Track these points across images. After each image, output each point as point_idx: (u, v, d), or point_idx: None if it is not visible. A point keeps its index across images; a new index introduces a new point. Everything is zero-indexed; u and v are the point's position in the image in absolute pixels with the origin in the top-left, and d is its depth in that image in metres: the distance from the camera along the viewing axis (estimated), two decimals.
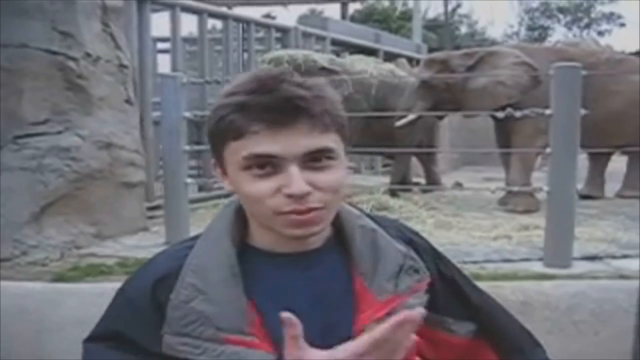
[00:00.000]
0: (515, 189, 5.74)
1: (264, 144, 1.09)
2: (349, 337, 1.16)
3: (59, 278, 3.90)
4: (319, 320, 1.16)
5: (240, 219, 1.23)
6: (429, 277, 1.26)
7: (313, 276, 1.21)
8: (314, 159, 1.12)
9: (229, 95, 1.14)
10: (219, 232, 1.22)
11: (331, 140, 1.13)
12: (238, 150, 1.11)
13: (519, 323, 1.40)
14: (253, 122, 1.09)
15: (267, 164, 1.11)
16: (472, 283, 1.38)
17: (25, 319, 3.09)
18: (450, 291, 1.31)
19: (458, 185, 7.80)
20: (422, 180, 8.10)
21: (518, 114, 4.64)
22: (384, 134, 6.78)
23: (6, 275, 3.91)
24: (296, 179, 1.09)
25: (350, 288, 1.21)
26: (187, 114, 4.86)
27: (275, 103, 1.08)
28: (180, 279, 1.16)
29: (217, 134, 1.15)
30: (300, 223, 1.12)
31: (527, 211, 6.15)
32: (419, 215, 5.84)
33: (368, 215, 1.30)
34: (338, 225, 1.25)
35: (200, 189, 6.94)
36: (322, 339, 1.15)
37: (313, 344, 1.15)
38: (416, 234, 1.35)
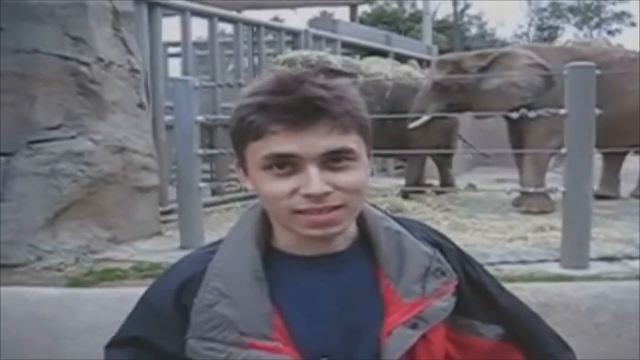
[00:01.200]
0: (531, 190, 5.70)
1: (284, 143, 1.09)
2: (375, 341, 1.15)
3: (75, 283, 3.90)
4: (345, 324, 1.15)
5: (266, 222, 1.22)
6: (456, 279, 1.24)
7: (338, 279, 1.19)
8: (334, 160, 1.11)
9: (250, 95, 1.14)
10: (243, 236, 1.21)
11: (351, 141, 1.12)
12: (258, 150, 1.11)
13: (549, 327, 1.37)
14: (273, 123, 1.09)
15: (286, 164, 1.11)
16: (500, 285, 1.35)
17: (41, 324, 3.08)
18: (478, 294, 1.29)
19: (471, 186, 7.76)
20: (435, 182, 8.07)
21: (532, 114, 4.61)
22: (397, 136, 6.75)
23: (21, 281, 3.91)
24: (314, 179, 1.09)
25: (376, 291, 1.20)
26: (200, 118, 4.86)
27: (295, 103, 1.08)
28: (204, 283, 1.16)
29: (238, 134, 1.15)
30: (318, 223, 1.11)
31: (541, 212, 6.11)
32: (433, 217, 5.81)
33: (392, 217, 1.28)
34: (363, 227, 1.24)
35: (214, 192, 6.93)
36: (348, 342, 1.14)
37: (339, 348, 1.14)
38: (442, 235, 1.33)
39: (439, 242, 1.29)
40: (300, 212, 1.11)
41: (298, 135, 1.09)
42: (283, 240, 1.21)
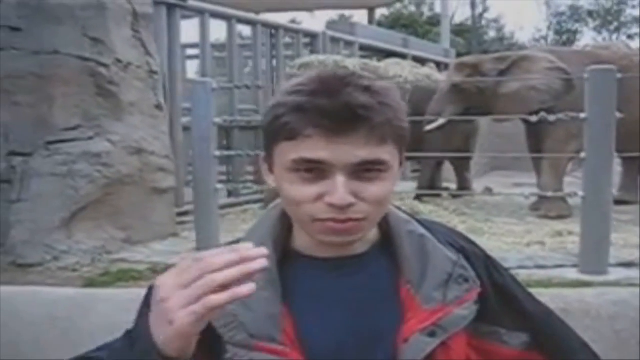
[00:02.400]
0: (550, 194, 5.65)
1: (316, 149, 1.04)
2: (391, 347, 1.12)
3: (90, 283, 3.91)
4: (359, 329, 1.13)
5: (285, 222, 1.20)
6: (479, 287, 1.20)
7: (355, 282, 1.16)
8: (365, 170, 1.06)
9: (288, 93, 1.08)
10: (261, 236, 1.18)
11: (386, 152, 1.08)
12: (288, 152, 1.07)
13: (577, 335, 1.33)
14: (308, 126, 1.04)
15: (314, 169, 1.06)
16: (527, 292, 1.31)
17: (56, 324, 3.08)
18: (504, 300, 1.25)
19: (488, 190, 7.72)
20: (452, 186, 8.03)
21: (552, 118, 4.57)
22: (415, 139, 6.71)
23: (37, 281, 3.93)
24: (340, 189, 1.04)
25: (395, 296, 1.16)
26: (217, 120, 4.86)
27: (334, 109, 1.03)
28: None
29: (271, 131, 1.10)
30: (337, 231, 1.08)
31: (559, 217, 6.06)
32: (450, 220, 5.78)
33: (418, 220, 1.25)
34: (385, 229, 1.20)
35: (230, 194, 6.94)
36: (361, 348, 1.12)
37: (351, 353, 1.11)
38: (468, 240, 1.29)
39: (465, 247, 1.25)
40: (319, 219, 1.08)
41: (332, 143, 1.03)
42: (302, 241, 1.18)
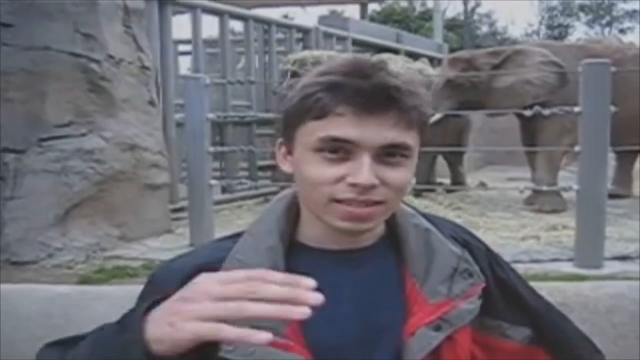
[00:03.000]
0: (545, 188, 5.66)
1: (345, 128, 1.04)
2: (397, 341, 1.11)
3: (85, 280, 3.90)
4: (364, 322, 1.12)
5: (292, 214, 1.19)
6: (483, 281, 1.21)
7: (361, 275, 1.15)
8: (389, 154, 1.07)
9: (321, 74, 1.08)
10: (267, 227, 1.16)
11: (411, 138, 1.08)
12: (315, 131, 1.06)
13: (579, 330, 1.33)
14: (341, 104, 1.04)
15: (340, 149, 1.05)
16: (530, 287, 1.31)
17: (52, 322, 3.07)
18: (506, 295, 1.26)
19: (482, 185, 7.73)
20: (446, 181, 8.04)
21: (546, 111, 4.57)
22: None
23: (32, 278, 3.91)
24: (366, 169, 1.04)
25: (400, 289, 1.16)
26: (210, 115, 4.84)
27: (369, 88, 1.03)
28: (222, 270, 1.11)
29: (298, 110, 1.09)
30: (354, 217, 1.07)
31: (554, 211, 6.07)
32: (445, 215, 5.74)
33: (422, 214, 1.25)
34: (391, 223, 1.19)
35: (224, 190, 6.92)
36: (366, 341, 1.11)
37: (356, 347, 1.10)
38: (471, 235, 1.29)
39: (468, 241, 1.25)
40: (338, 201, 1.07)
41: (363, 122, 1.04)
42: (309, 232, 1.17)
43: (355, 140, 1.04)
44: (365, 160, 1.04)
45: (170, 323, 0.84)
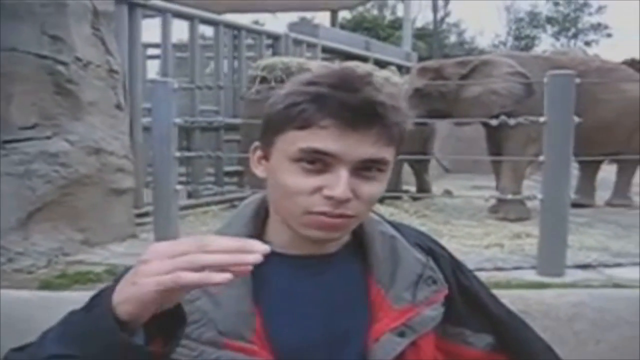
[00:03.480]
0: (509, 197, 5.73)
1: (327, 141, 1.05)
2: (360, 347, 1.12)
3: (46, 286, 3.84)
4: (329, 328, 1.13)
5: (259, 219, 1.20)
6: (446, 288, 1.23)
7: (326, 281, 1.17)
8: (366, 168, 1.08)
9: (307, 83, 1.09)
10: (235, 231, 1.17)
11: (390, 153, 1.10)
12: (296, 141, 1.07)
13: (540, 337, 1.35)
14: (325, 117, 1.04)
15: (318, 161, 1.07)
16: (492, 294, 1.34)
17: (14, 327, 3.02)
18: (469, 302, 1.28)
19: (448, 193, 7.79)
20: (412, 188, 8.08)
21: (512, 121, 4.62)
22: None
23: None
24: (343, 183, 1.05)
25: (365, 295, 1.17)
26: (178, 120, 4.81)
27: (355, 103, 1.04)
28: None
29: (281, 118, 1.09)
30: (326, 226, 1.08)
31: (518, 219, 6.14)
32: (410, 223, 5.78)
33: (388, 222, 1.26)
34: (357, 230, 1.21)
35: (190, 195, 6.88)
36: (331, 347, 1.12)
37: (321, 352, 1.11)
38: (436, 243, 1.31)
39: (433, 249, 1.27)
40: (312, 213, 1.08)
41: (345, 136, 1.05)
42: (275, 237, 1.18)
43: (336, 153, 1.05)
44: (343, 174, 1.05)
45: (133, 282, 0.86)
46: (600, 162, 7.42)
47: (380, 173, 1.10)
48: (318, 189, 1.07)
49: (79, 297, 2.94)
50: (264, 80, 6.47)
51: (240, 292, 1.10)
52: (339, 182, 1.05)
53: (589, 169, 7.44)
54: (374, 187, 1.10)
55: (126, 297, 0.87)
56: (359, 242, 1.21)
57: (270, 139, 1.12)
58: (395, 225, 1.27)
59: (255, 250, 0.85)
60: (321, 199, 1.06)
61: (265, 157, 1.15)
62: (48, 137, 4.50)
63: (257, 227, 1.19)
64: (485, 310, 1.29)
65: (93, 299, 0.95)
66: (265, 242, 1.18)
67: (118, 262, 4.28)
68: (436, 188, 8.35)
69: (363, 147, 1.06)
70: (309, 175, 1.07)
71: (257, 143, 1.18)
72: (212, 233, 1.22)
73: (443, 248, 1.32)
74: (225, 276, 0.82)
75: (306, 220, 1.09)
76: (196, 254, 0.84)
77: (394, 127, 1.08)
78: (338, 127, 1.04)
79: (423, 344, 1.16)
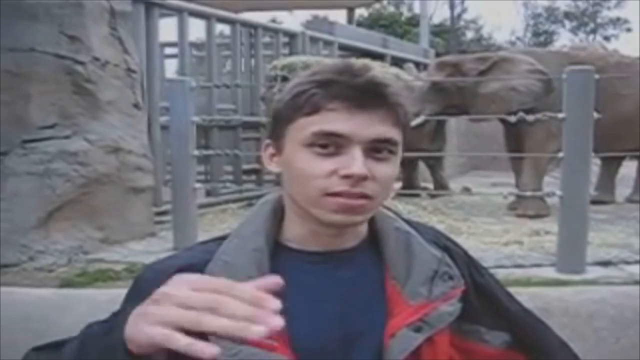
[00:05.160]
0: (528, 194, 5.69)
1: (337, 122, 1.09)
2: (377, 342, 1.12)
3: (67, 284, 3.87)
4: (346, 323, 1.13)
5: (277, 217, 1.21)
6: (463, 284, 1.22)
7: (343, 277, 1.17)
8: (376, 149, 1.11)
9: (312, 74, 1.14)
10: (254, 228, 1.19)
11: (397, 134, 1.13)
12: (307, 126, 1.10)
13: (557, 335, 1.34)
14: (333, 99, 1.09)
15: (331, 144, 1.10)
16: (508, 292, 1.33)
17: (32, 326, 3.04)
18: (485, 299, 1.27)
19: (466, 190, 7.76)
20: (430, 186, 8.06)
21: (530, 118, 4.59)
22: None
23: (13, 281, 3.87)
24: (359, 160, 1.08)
25: (382, 291, 1.18)
26: (196, 119, 4.83)
27: (360, 85, 1.09)
28: (206, 272, 1.12)
29: (289, 108, 1.13)
30: (347, 208, 1.10)
31: (537, 216, 6.10)
32: (428, 220, 5.79)
33: (402, 218, 1.27)
34: (372, 226, 1.22)
35: (208, 194, 6.90)
36: (348, 342, 1.12)
37: (338, 347, 1.11)
38: (451, 240, 1.31)
39: (448, 246, 1.28)
40: (331, 195, 1.09)
41: (354, 117, 1.09)
42: (293, 233, 1.19)
43: (347, 133, 1.08)
44: (357, 152, 1.08)
45: (136, 324, 0.85)
46: (622, 158, 7.35)
47: (391, 155, 1.13)
48: (334, 172, 1.09)
49: (98, 295, 2.97)
50: (284, 79, 6.47)
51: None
52: (355, 160, 1.08)
53: (611, 166, 7.38)
54: (388, 168, 1.13)
55: (129, 336, 0.86)
56: (374, 238, 1.22)
57: (280, 131, 1.15)
58: (411, 223, 1.28)
59: (266, 324, 0.79)
60: (338, 180, 1.09)
61: (278, 150, 1.18)
62: (67, 137, 4.53)
63: (275, 225, 1.21)
64: (500, 308, 1.28)
65: (114, 317, 0.96)
66: (282, 240, 1.19)
67: (137, 260, 4.30)
68: (455, 185, 8.32)
69: (372, 125, 1.09)
70: (324, 159, 1.10)
71: (267, 140, 1.21)
72: (230, 231, 1.23)
73: (458, 245, 1.31)
74: (211, 353, 0.78)
75: (325, 203, 1.10)
76: (203, 314, 0.80)
77: (398, 108, 1.12)
78: (346, 109, 1.09)
79: (439, 340, 1.16)
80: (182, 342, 0.79)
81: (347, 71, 1.11)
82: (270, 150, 1.20)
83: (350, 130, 1.08)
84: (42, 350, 1.07)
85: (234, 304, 0.80)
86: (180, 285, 0.84)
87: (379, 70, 1.20)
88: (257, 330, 0.79)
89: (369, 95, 1.09)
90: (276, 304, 0.81)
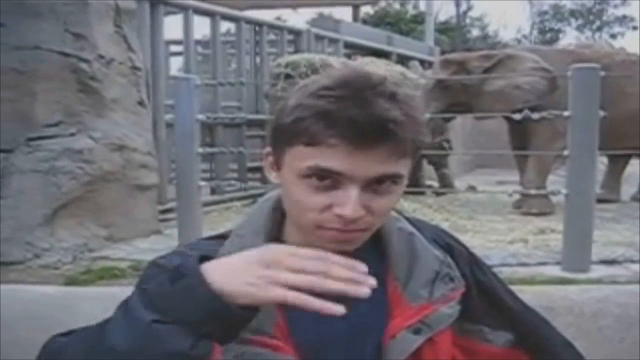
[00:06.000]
0: (533, 192, 5.68)
1: (336, 160, 1.01)
2: (377, 343, 1.12)
3: (72, 281, 3.87)
4: (348, 324, 1.12)
5: (278, 214, 1.19)
6: (463, 286, 1.22)
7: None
8: (378, 182, 1.05)
9: (313, 96, 1.03)
10: (254, 227, 1.17)
11: (403, 166, 1.06)
12: (304, 157, 1.03)
13: (560, 334, 1.34)
14: (333, 136, 1.00)
15: (328, 178, 1.03)
16: (511, 291, 1.32)
17: (36, 323, 3.04)
18: (487, 299, 1.27)
19: (471, 188, 7.75)
20: (435, 183, 8.05)
21: (535, 115, 4.58)
22: None
23: (18, 279, 3.88)
24: (354, 202, 1.02)
25: (383, 292, 1.17)
26: (200, 116, 4.83)
27: (365, 121, 0.99)
28: None
29: (288, 132, 1.06)
30: (339, 240, 1.07)
31: (541, 213, 6.10)
32: (433, 218, 5.79)
33: (406, 218, 1.25)
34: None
35: (213, 191, 6.91)
36: (349, 343, 1.12)
37: (339, 348, 1.11)
38: (454, 238, 1.30)
39: (451, 245, 1.27)
40: (324, 228, 1.06)
41: (354, 155, 1.00)
42: (293, 236, 1.17)
43: (345, 173, 1.02)
44: (353, 192, 1.03)
45: (252, 283, 0.91)
46: (629, 156, 7.33)
47: (395, 186, 1.07)
48: (329, 206, 1.04)
49: (103, 293, 2.96)
50: (288, 77, 6.47)
51: None
52: (349, 202, 1.02)
53: (617, 164, 7.36)
54: (388, 201, 1.07)
55: (235, 292, 0.92)
56: (377, 238, 1.20)
57: (281, 149, 1.09)
58: (414, 222, 1.26)
59: (365, 284, 0.92)
60: (332, 216, 1.04)
61: (277, 166, 1.13)
62: (72, 134, 4.54)
63: (275, 225, 1.19)
64: (503, 307, 1.28)
65: (174, 272, 0.97)
66: (283, 240, 1.17)
67: (142, 258, 4.30)
68: (460, 183, 8.31)
69: (373, 165, 1.02)
70: (319, 192, 1.05)
71: (268, 149, 1.15)
72: (233, 228, 1.22)
73: (461, 244, 1.30)
74: (342, 311, 0.90)
75: (319, 234, 1.08)
76: (319, 277, 0.91)
77: (407, 141, 1.03)
78: (347, 147, 1.00)
79: (440, 341, 1.16)
80: (315, 302, 0.89)
81: (351, 99, 1.00)
82: (271, 159, 1.14)
83: (348, 169, 1.01)
84: (66, 335, 1.07)
85: (338, 269, 0.90)
86: (284, 253, 0.94)
87: (391, 90, 1.06)
88: (363, 291, 0.90)
89: (373, 133, 1.00)
90: (364, 267, 0.93)
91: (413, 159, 1.08)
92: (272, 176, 1.15)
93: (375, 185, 1.05)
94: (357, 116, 0.99)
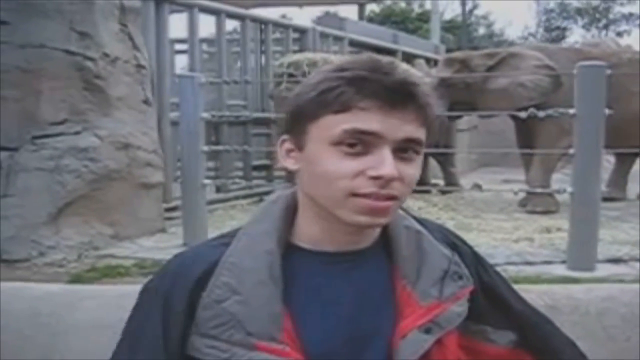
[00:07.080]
0: (538, 190, 5.66)
1: (372, 122, 1.05)
2: (387, 343, 1.11)
3: (76, 279, 3.88)
4: (357, 325, 1.12)
5: (289, 215, 1.18)
6: (472, 284, 1.21)
7: (356, 278, 1.15)
8: (403, 149, 1.08)
9: (340, 70, 1.08)
10: (264, 230, 1.15)
11: (424, 134, 1.11)
12: (336, 124, 1.06)
13: (564, 333, 1.33)
14: (366, 98, 1.05)
15: (359, 144, 1.06)
16: (514, 291, 1.31)
17: (40, 321, 3.05)
18: (491, 299, 1.26)
19: (477, 186, 7.74)
20: (441, 182, 8.04)
21: (541, 114, 4.57)
22: None
23: (23, 276, 3.89)
24: (389, 161, 1.05)
25: (391, 291, 1.16)
26: (205, 115, 4.83)
27: (392, 84, 1.05)
28: (214, 276, 1.10)
29: (313, 104, 1.08)
30: (373, 210, 1.07)
31: (546, 212, 6.09)
32: (439, 217, 5.79)
33: (412, 216, 1.25)
34: (384, 225, 1.19)
35: (218, 190, 6.91)
36: (358, 343, 1.11)
37: (348, 349, 1.10)
38: (458, 237, 1.30)
39: (456, 244, 1.26)
40: (358, 195, 1.06)
41: (386, 116, 1.05)
42: (306, 233, 1.16)
43: (380, 133, 1.05)
44: (387, 152, 1.05)
45: None
46: (636, 155, 7.31)
47: (416, 155, 1.10)
48: (361, 172, 1.05)
49: (107, 291, 2.96)
50: (290, 76, 6.46)
51: (270, 292, 1.08)
52: (385, 161, 1.05)
53: (624, 163, 7.34)
54: (413, 169, 1.10)
55: None
56: (385, 237, 1.20)
57: (302, 129, 1.10)
58: (420, 221, 1.25)
59: None
60: (365, 181, 1.05)
61: (298, 147, 1.13)
62: (77, 133, 4.55)
63: (287, 224, 1.17)
64: (506, 307, 1.27)
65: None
66: (294, 240, 1.16)
67: (147, 256, 4.32)
68: (465, 181, 8.30)
69: (403, 125, 1.06)
70: (350, 159, 1.06)
71: (284, 136, 1.16)
72: (239, 227, 1.21)
73: (465, 243, 1.30)
74: None
75: (351, 204, 1.07)
76: None
77: (427, 107, 1.09)
78: (380, 108, 1.05)
79: (447, 342, 1.15)
80: None
81: (376, 68, 1.07)
82: (288, 146, 1.15)
83: (383, 129, 1.05)
84: None
85: None
86: None
87: (407, 68, 1.16)
88: None
89: (401, 95, 1.06)
90: None
91: (428, 131, 1.12)
92: (287, 163, 1.15)
93: (400, 152, 1.07)
94: (385, 79, 1.05)
